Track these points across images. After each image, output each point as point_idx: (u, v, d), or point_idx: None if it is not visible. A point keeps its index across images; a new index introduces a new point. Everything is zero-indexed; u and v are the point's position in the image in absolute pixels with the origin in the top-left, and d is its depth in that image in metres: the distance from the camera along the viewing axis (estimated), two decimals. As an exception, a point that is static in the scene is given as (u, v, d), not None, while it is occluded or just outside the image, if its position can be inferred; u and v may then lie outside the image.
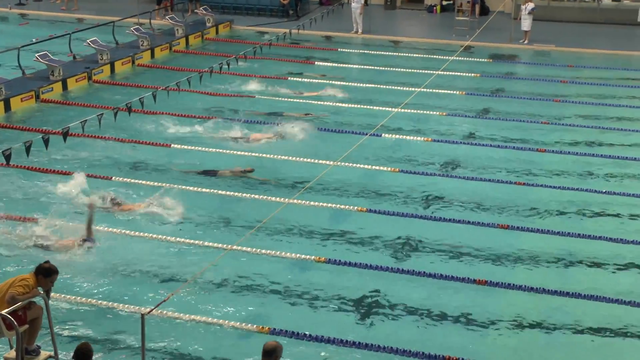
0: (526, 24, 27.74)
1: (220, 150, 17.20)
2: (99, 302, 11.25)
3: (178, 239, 13.11)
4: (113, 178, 15.53)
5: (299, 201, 14.28)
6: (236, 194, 14.96)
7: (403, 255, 12.97)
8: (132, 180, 15.46)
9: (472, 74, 24.15)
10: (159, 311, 10.48)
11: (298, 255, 12.68)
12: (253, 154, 16.87)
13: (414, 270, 12.25)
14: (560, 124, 19.58)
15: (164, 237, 13.16)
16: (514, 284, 11.93)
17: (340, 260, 12.49)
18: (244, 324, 10.79)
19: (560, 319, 11.22)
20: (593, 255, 12.99)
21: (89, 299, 11.30)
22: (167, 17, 28.71)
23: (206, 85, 21.18)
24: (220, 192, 15.06)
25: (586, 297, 11.61)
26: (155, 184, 15.30)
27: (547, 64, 26.07)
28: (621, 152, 17.63)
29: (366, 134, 16.57)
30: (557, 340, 10.80)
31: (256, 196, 14.86)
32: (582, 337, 10.87)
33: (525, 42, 28.01)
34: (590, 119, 20.01)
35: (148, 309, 8.96)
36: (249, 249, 12.71)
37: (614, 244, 13.27)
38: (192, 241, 13.04)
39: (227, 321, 10.84)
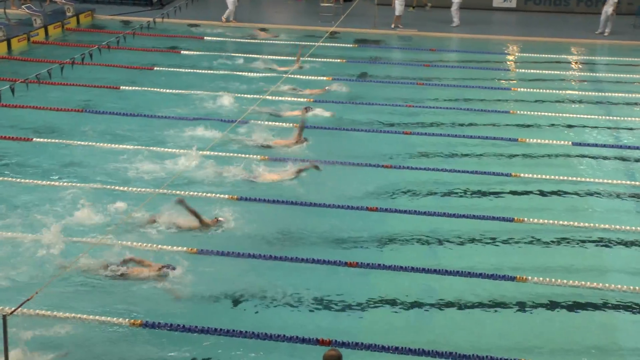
0: (399, 9, 28.46)
1: (88, 143, 16.74)
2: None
3: (43, 235, 12.66)
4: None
5: (168, 191, 14.08)
6: (106, 186, 14.62)
7: (277, 242, 12.98)
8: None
9: (339, 60, 24.44)
10: (24, 311, 10.12)
11: (169, 247, 12.49)
12: (122, 146, 16.51)
13: (286, 257, 12.31)
14: (424, 106, 20.14)
15: (33, 235, 12.70)
16: (384, 264, 12.20)
17: (212, 251, 12.40)
18: (115, 318, 10.55)
19: (431, 295, 11.55)
20: (459, 233, 13.46)
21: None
22: (23, 6, 27.57)
23: (68, 77, 20.52)
24: (92, 185, 14.67)
25: (453, 273, 12.01)
26: (17, 180, 14.73)
27: (410, 48, 26.80)
28: (482, 132, 18.31)
29: (234, 122, 16.48)
30: (429, 316, 11.13)
31: (124, 188, 14.56)
32: (453, 312, 11.24)
33: (400, 26, 28.66)
34: (452, 101, 20.69)
35: (10, 310, 8.61)
36: (116, 242, 12.42)
37: (479, 221, 13.77)
38: (57, 237, 12.62)
39: (97, 317, 10.57)
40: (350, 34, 27.90)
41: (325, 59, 23.94)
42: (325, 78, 22.27)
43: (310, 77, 22.12)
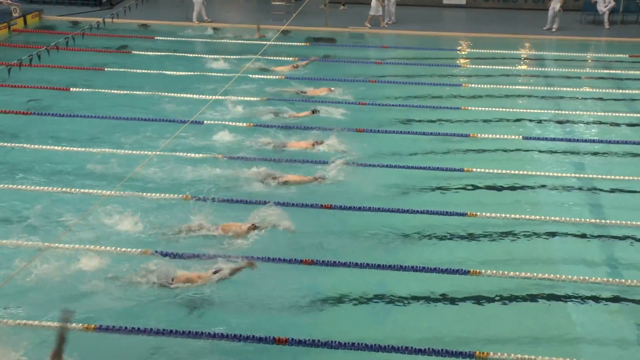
0: (375, 8, 28.67)
1: (36, 146, 16.48)
2: None
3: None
4: None
5: (122, 193, 13.94)
6: (56, 189, 14.42)
7: (230, 241, 12.92)
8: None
9: (291, 58, 24.41)
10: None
11: (123, 249, 12.38)
12: (73, 149, 16.30)
13: (245, 256, 12.22)
14: (376, 103, 20.20)
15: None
16: (339, 262, 12.24)
17: (166, 252, 12.30)
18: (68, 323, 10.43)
19: (385, 291, 11.65)
20: (412, 228, 13.56)
21: None
22: (-32, 7, 27.08)
23: (15, 79, 20.18)
24: (42, 188, 14.46)
25: (408, 268, 12.10)
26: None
27: (362, 46, 26.89)
28: (434, 129, 18.48)
29: (186, 122, 16.35)
30: (384, 312, 11.22)
31: (75, 190, 14.37)
32: (407, 307, 11.36)
33: (389, 22, 28.89)
34: (404, 98, 20.80)
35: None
36: (68, 245, 12.28)
37: (432, 216, 13.87)
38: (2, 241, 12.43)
39: (49, 322, 10.44)
40: (302, 33, 27.89)
41: (277, 58, 23.90)
42: (277, 77, 22.23)
43: (263, 77, 22.05)
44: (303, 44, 26.66)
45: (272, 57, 23.45)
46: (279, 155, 16.39)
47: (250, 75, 21.79)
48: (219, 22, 29.40)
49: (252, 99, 20.14)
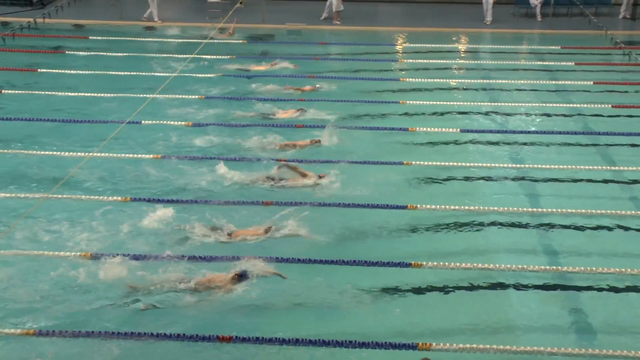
0: (336, 3, 28.66)
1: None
2: None
3: None
4: None
5: (58, 196, 13.68)
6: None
7: (172, 241, 12.78)
8: None
9: (228, 56, 24.28)
10: None
11: (60, 253, 12.14)
12: (5, 151, 15.95)
13: (194, 256, 12.14)
14: (316, 100, 20.22)
15: None
16: (282, 257, 12.19)
17: (105, 254, 12.10)
18: (6, 329, 10.23)
19: (326, 285, 11.62)
20: (353, 222, 13.62)
21: None
22: None
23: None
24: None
25: (350, 262, 12.12)
26: None
27: (300, 42, 26.91)
28: (374, 123, 18.60)
29: (124, 122, 16.13)
30: (327, 307, 11.20)
31: (8, 194, 14.06)
32: (350, 301, 11.33)
33: (338, 22, 28.80)
34: (343, 93, 20.87)
35: None
36: (3, 251, 12.01)
37: (372, 210, 13.96)
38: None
39: (-14, 330, 10.25)
40: (240, 30, 27.75)
41: (214, 56, 23.75)
42: (214, 75, 22.08)
43: (199, 75, 21.89)
44: (241, 41, 26.53)
45: (209, 56, 23.29)
46: (222, 152, 16.34)
47: (189, 74, 21.60)
48: (154, 21, 29.05)
49: (187, 97, 19.97)
